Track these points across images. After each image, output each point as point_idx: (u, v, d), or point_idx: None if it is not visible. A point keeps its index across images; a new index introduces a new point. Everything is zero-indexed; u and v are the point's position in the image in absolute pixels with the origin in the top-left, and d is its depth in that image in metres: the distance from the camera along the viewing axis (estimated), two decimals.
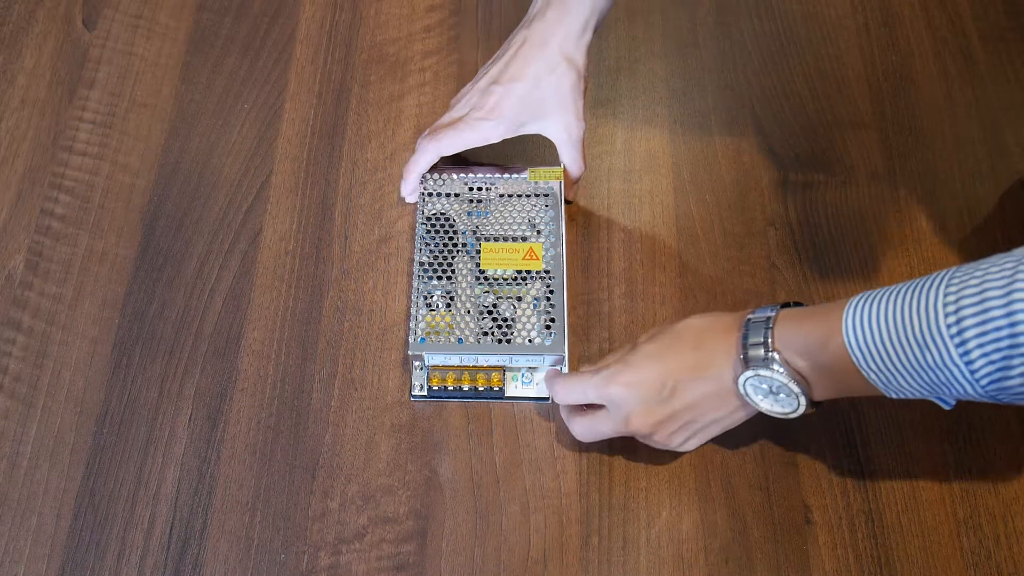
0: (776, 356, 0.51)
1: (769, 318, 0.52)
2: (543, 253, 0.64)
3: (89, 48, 0.77)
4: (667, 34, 0.76)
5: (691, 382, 0.54)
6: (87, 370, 0.64)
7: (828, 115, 0.73)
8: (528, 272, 0.64)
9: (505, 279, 0.64)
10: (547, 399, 0.62)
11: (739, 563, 0.57)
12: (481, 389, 0.62)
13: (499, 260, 0.64)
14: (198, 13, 0.78)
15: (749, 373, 0.52)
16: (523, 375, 0.63)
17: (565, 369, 0.62)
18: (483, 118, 0.65)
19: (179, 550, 0.58)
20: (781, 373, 0.51)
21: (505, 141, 0.66)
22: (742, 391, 0.53)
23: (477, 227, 0.66)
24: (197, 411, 0.62)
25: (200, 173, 0.71)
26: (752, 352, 0.52)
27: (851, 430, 0.61)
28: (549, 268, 0.64)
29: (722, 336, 0.54)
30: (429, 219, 0.66)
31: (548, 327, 0.62)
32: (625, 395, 0.55)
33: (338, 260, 0.68)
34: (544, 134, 0.66)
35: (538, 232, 0.65)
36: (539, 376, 0.62)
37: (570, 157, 0.67)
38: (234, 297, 0.66)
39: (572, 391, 0.58)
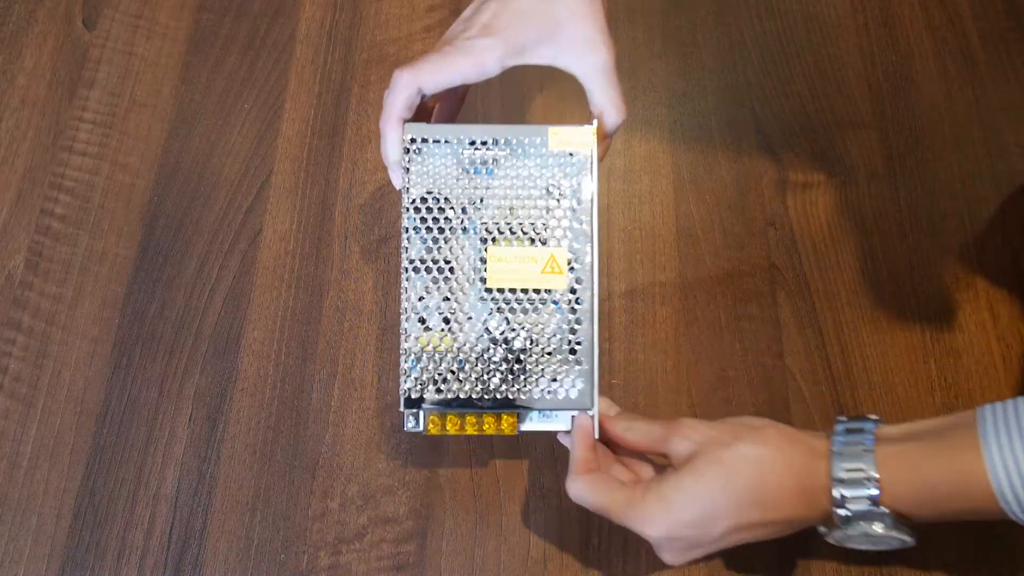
0: (886, 511, 0.44)
1: (868, 455, 0.43)
2: (567, 262, 0.51)
3: (89, 48, 0.77)
4: (667, 34, 0.76)
5: (749, 533, 0.47)
6: (87, 370, 0.64)
7: (828, 115, 0.72)
8: (548, 292, 0.51)
9: (517, 298, 0.51)
10: (569, 431, 0.52)
11: (739, 564, 0.57)
12: (490, 435, 0.54)
13: (510, 274, 0.51)
14: (198, 13, 0.78)
15: (849, 532, 0.45)
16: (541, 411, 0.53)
17: (596, 424, 0.51)
18: (474, 37, 0.49)
19: (179, 550, 0.58)
20: (891, 527, 0.44)
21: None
22: (831, 541, 0.47)
23: (482, 197, 0.51)
24: (197, 411, 0.62)
25: (200, 173, 0.71)
26: (855, 508, 0.44)
27: None
28: (575, 287, 0.51)
29: (790, 479, 0.45)
30: (417, 206, 0.52)
31: (573, 365, 0.50)
32: (660, 539, 0.47)
33: (338, 260, 0.68)
34: (561, 65, 0.51)
35: (560, 195, 0.51)
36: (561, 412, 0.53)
37: (604, 94, 0.51)
38: (234, 297, 0.66)
39: (595, 501, 0.48)
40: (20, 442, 0.61)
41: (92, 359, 0.64)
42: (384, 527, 0.59)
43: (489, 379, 0.51)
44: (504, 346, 0.51)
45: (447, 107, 0.56)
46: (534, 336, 0.51)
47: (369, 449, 0.61)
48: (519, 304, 0.51)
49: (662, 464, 0.51)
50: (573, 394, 0.50)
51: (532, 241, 0.51)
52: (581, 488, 0.49)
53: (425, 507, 0.59)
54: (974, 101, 0.73)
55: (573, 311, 0.51)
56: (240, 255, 0.68)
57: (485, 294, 0.51)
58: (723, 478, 0.45)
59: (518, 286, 0.51)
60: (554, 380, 0.50)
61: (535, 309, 0.51)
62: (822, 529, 0.47)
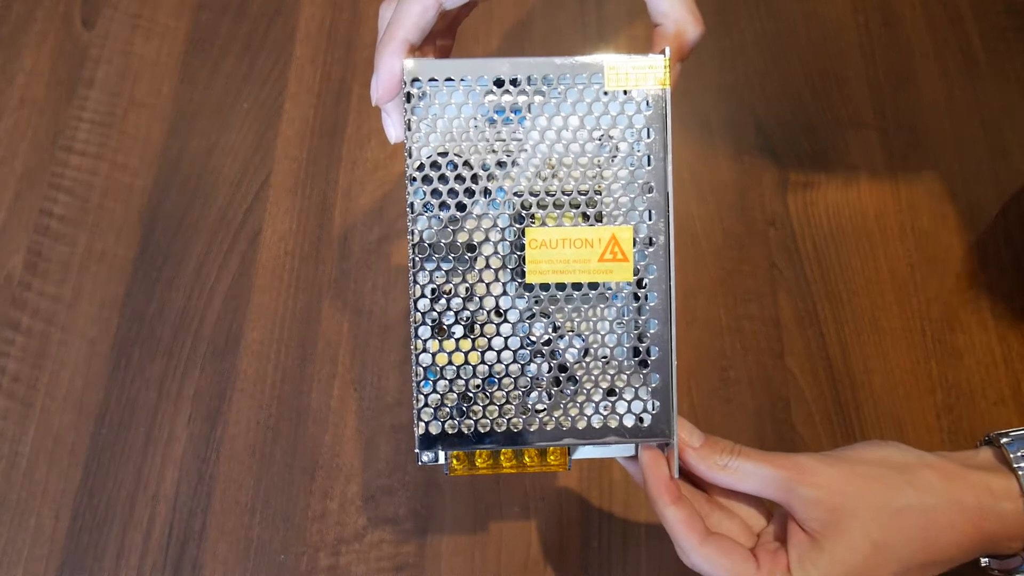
0: None
1: None
2: (634, 244, 0.38)
3: (88, 48, 0.76)
4: None
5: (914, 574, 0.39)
6: (86, 370, 0.64)
7: (828, 115, 0.72)
8: (607, 287, 0.39)
9: (567, 294, 0.39)
10: (633, 456, 0.42)
11: None
12: (533, 471, 0.42)
13: (559, 265, 0.38)
14: (197, 12, 0.78)
15: None
16: None
17: (675, 461, 0.41)
18: None
19: (178, 551, 0.58)
20: None
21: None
22: (993, 570, 0.43)
23: (514, 159, 0.39)
24: (196, 411, 0.62)
25: (200, 173, 0.71)
26: None
27: (851, 426, 0.61)
28: (646, 278, 0.39)
29: (966, 532, 0.38)
30: (427, 174, 0.40)
31: (644, 383, 0.39)
32: None
33: (338, 260, 0.67)
34: None
35: (616, 150, 0.39)
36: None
37: (677, 1, 0.38)
38: (234, 297, 0.66)
39: (718, 566, 0.39)
40: (18, 442, 0.61)
41: (91, 359, 0.64)
42: (384, 527, 0.59)
43: (532, 404, 0.40)
44: (550, 359, 0.40)
45: (439, 32, 0.42)
46: (590, 345, 0.39)
47: (369, 449, 0.61)
48: (570, 303, 0.39)
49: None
50: (646, 419, 0.40)
51: (585, 217, 0.39)
52: (701, 561, 0.39)
53: (425, 507, 0.59)
54: (975, 100, 0.73)
55: (642, 310, 0.39)
56: (240, 255, 0.68)
57: (524, 290, 0.39)
58: (886, 546, 0.37)
59: (568, 280, 0.38)
60: (618, 401, 0.40)
61: (592, 308, 0.39)
62: (986, 561, 0.42)
